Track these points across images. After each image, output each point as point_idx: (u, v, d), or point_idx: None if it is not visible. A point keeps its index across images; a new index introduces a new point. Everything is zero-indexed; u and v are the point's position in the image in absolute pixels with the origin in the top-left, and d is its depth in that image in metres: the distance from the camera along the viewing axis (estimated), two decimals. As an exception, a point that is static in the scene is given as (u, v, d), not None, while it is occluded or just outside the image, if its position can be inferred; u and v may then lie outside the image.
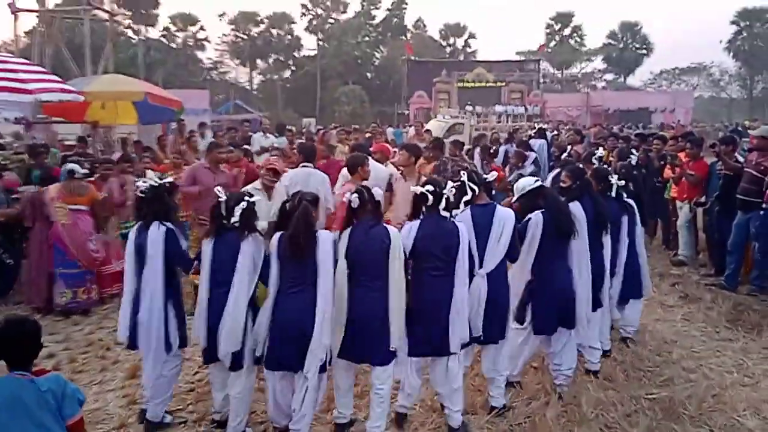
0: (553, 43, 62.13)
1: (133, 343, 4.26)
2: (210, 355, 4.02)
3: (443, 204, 4.05)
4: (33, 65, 9.89)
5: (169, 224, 4.20)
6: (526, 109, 37.29)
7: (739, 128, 22.49)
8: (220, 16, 58.90)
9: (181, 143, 10.83)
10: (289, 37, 59.56)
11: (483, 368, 4.51)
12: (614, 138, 10.87)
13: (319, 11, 60.35)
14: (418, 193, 4.08)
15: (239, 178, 7.30)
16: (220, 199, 4.02)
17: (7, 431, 2.70)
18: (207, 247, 4.01)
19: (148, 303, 4.12)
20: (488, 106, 35.24)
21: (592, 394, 4.62)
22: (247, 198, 4.04)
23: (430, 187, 4.08)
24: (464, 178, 4.29)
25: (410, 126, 21.80)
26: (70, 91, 8.74)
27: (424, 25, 64.88)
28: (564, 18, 62.33)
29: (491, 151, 9.44)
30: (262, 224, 4.78)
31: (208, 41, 58.14)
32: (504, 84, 40.67)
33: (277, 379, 3.96)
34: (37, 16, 18.54)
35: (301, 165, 6.42)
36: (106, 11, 24.59)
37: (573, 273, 4.62)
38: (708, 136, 17.09)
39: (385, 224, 4.03)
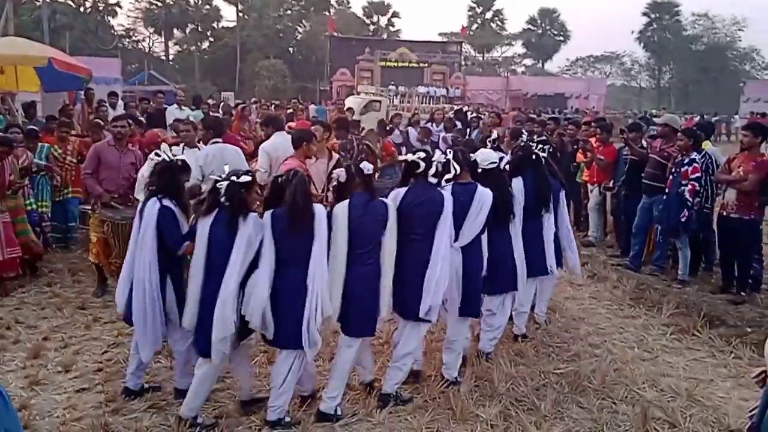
0: (474, 26, 62.99)
1: (128, 318, 4.13)
2: (201, 346, 3.87)
3: (432, 171, 4.18)
4: None
5: (167, 201, 4.01)
6: (447, 91, 37.71)
7: (647, 116, 23.65)
8: (134, -20, 55.84)
9: (89, 113, 10.29)
10: (208, 6, 57.42)
11: (447, 334, 4.68)
12: (531, 122, 11.15)
13: (240, -19, 58.50)
14: (409, 161, 4.23)
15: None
16: (216, 179, 3.87)
17: None
18: (203, 227, 3.84)
19: (141, 278, 3.94)
20: (411, 87, 35.34)
21: (504, 369, 4.76)
22: (235, 176, 3.83)
23: (421, 154, 4.24)
24: (450, 156, 4.41)
25: (333, 104, 21.64)
26: (-37, 54, 8.11)
27: (348, 2, 64.24)
28: (485, 1, 63.18)
29: (387, 128, 9.57)
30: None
31: (120, 7, 55.15)
32: (427, 65, 40.90)
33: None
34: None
35: (211, 141, 6.02)
36: (7, -32, 22.84)
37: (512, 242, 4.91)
38: (619, 123, 17.82)
39: (381, 198, 4.12)
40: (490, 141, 7.16)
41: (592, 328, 5.83)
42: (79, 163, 7.78)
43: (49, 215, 7.84)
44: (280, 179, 3.94)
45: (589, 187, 8.98)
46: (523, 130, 7.86)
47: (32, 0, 45.81)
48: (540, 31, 62.96)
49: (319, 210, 3.89)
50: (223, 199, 3.79)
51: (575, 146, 9.28)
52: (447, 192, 4.27)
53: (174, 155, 4.26)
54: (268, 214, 3.86)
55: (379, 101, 22.45)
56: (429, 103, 30.31)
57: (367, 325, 4.12)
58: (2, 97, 11.08)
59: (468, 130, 12.23)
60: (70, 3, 51.68)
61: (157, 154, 4.22)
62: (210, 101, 17.37)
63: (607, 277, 7.40)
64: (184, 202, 4.16)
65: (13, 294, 6.36)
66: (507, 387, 4.52)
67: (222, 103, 16.74)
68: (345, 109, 14.97)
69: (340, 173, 4.10)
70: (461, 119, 13.53)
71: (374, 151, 8.44)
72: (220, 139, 6.07)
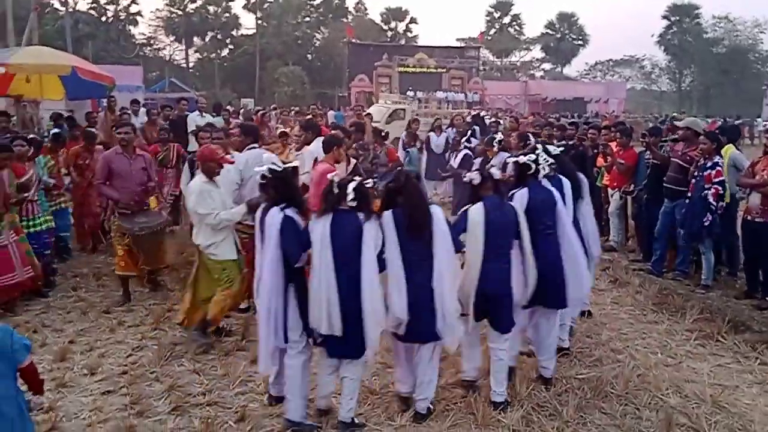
0: (492, 31, 63.01)
1: None
2: (331, 345, 3.90)
3: (543, 172, 4.50)
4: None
5: (289, 211, 3.96)
6: (466, 96, 37.68)
7: (668, 119, 23.37)
8: (154, -10, 56.46)
9: (112, 120, 10.45)
10: (227, 14, 57.99)
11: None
12: (550, 126, 11.09)
13: (259, -11, 59.01)
14: (521, 162, 4.52)
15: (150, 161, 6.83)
16: (332, 180, 3.93)
17: None
18: (322, 229, 3.81)
19: (266, 288, 3.93)
20: (429, 92, 35.37)
21: (525, 374, 4.74)
22: (357, 177, 3.97)
23: (532, 156, 4.51)
24: (539, 151, 4.63)
25: (351, 110, 21.72)
26: (-9, 63, 8.29)
27: (365, 8, 64.74)
28: (503, 6, 63.30)
29: (382, 134, 9.61)
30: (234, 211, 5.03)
31: (141, 16, 55.94)
32: (445, 70, 40.91)
33: (402, 350, 4.18)
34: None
35: (247, 147, 6.07)
36: (32, -20, 23.26)
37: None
38: (640, 127, 17.66)
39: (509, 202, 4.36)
40: (496, 143, 7.22)
41: (615, 334, 5.79)
42: (68, 175, 7.88)
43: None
44: (390, 183, 4.06)
45: (610, 191, 8.91)
46: (530, 134, 7.81)
47: (55, 10, 46.60)
48: (558, 36, 62.82)
49: (437, 211, 3.99)
50: (350, 200, 3.82)
51: (595, 150, 9.22)
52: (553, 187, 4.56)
53: (284, 162, 4.28)
54: (388, 213, 3.95)
55: (404, 109, 22.53)
56: (448, 108, 30.25)
57: (510, 321, 4.30)
58: (24, 104, 11.29)
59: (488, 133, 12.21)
60: (93, 12, 52.54)
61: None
62: (229, 108, 17.50)
63: (629, 282, 7.33)
64: (303, 207, 4.15)
65: (39, 298, 6.45)
66: (529, 392, 4.50)
67: (242, 110, 16.87)
68: (365, 115, 15.00)
69: (474, 176, 4.24)
70: (479, 124, 13.49)
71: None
72: (257, 145, 6.16)
